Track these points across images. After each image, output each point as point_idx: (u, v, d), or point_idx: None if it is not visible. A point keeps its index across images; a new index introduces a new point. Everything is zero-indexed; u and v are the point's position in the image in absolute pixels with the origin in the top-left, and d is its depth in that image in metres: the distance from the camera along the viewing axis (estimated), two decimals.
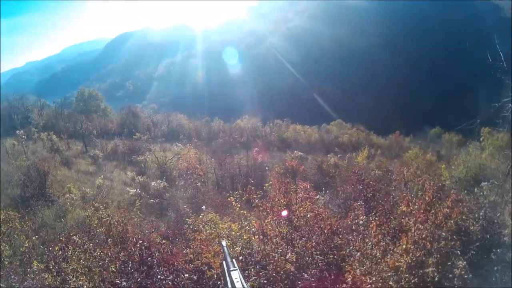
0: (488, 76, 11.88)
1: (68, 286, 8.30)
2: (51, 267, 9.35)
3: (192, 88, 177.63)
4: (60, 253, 9.65)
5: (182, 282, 7.58)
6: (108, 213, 12.52)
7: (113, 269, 8.48)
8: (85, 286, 8.10)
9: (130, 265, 8.26)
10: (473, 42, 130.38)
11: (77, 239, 10.21)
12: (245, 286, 1.01)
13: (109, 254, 9.08)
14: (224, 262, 1.23)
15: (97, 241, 10.82)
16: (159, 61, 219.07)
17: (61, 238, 11.04)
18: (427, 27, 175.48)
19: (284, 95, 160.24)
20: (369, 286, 7.19)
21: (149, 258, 8.00)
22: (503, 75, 10.07)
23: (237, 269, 1.15)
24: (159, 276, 7.63)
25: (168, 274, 7.77)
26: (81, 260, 9.15)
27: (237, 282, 1.06)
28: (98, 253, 9.32)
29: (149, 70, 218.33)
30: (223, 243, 1.42)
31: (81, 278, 8.47)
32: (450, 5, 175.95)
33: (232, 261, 1.22)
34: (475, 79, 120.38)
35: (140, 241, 8.29)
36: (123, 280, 7.76)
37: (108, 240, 10.55)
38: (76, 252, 9.48)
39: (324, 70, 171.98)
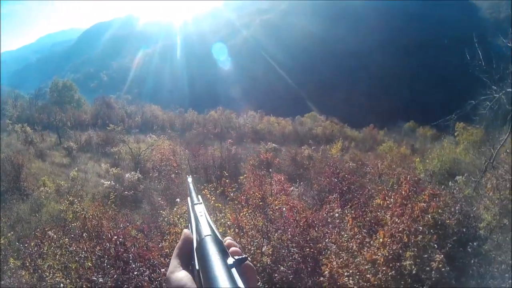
0: (466, 74, 12.07)
1: (45, 283, 8.14)
2: (27, 264, 9.17)
3: (166, 80, 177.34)
4: (35, 249, 9.48)
5: (159, 278, 7.48)
6: (82, 207, 12.36)
7: (90, 265, 8.35)
8: (61, 284, 7.94)
9: (106, 260, 8.13)
10: (451, 40, 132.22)
11: (53, 234, 10.05)
12: (209, 220, 0.93)
13: (85, 249, 8.94)
14: (188, 198, 1.15)
15: (72, 235, 10.63)
16: (134, 52, 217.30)
17: (36, 233, 10.87)
18: (405, 23, 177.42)
19: (258, 87, 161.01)
20: (346, 278, 7.23)
21: (125, 254, 7.88)
22: (480, 73, 10.21)
23: (201, 203, 1.07)
24: (135, 272, 7.51)
25: (144, 269, 7.66)
26: (57, 256, 8.99)
27: (201, 216, 0.97)
28: (74, 248, 9.16)
29: (124, 61, 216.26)
30: (189, 179, 1.32)
31: (58, 274, 8.31)
32: (428, 4, 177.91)
33: (197, 196, 1.13)
34: (452, 77, 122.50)
35: (115, 236, 8.15)
36: (99, 276, 7.62)
37: (84, 235, 10.38)
38: (52, 248, 9.32)
39: (299, 62, 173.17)
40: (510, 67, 9.75)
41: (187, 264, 0.88)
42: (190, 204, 1.12)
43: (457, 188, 13.92)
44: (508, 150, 14.68)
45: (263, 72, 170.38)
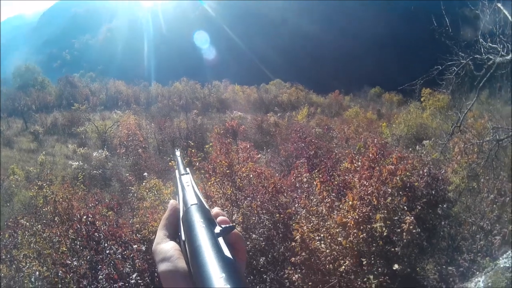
0: (433, 42, 12.07)
1: (22, 274, 7.99)
2: (3, 257, 8.98)
3: (129, 54, 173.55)
4: (10, 240, 9.32)
5: (132, 254, 7.42)
6: (52, 190, 12.17)
7: (64, 249, 8.24)
8: (37, 272, 7.81)
9: (78, 242, 8.03)
10: (418, 7, 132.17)
11: (25, 222, 9.90)
12: (196, 190, 0.90)
13: (58, 233, 8.82)
14: (176, 171, 1.12)
15: (45, 221, 10.49)
16: (96, 28, 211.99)
17: (9, 223, 10.69)
18: None
19: (222, 56, 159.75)
20: (318, 243, 7.30)
21: (96, 233, 7.79)
22: (447, 39, 10.27)
23: (188, 173, 1.04)
24: (107, 251, 7.44)
25: (117, 247, 7.58)
26: (32, 244, 8.84)
27: (188, 186, 0.95)
28: (48, 234, 9.03)
29: (86, 38, 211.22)
30: (177, 152, 1.29)
31: (34, 263, 8.16)
32: None
33: (185, 168, 1.10)
34: (419, 44, 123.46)
35: (85, 216, 8.03)
36: (74, 259, 7.53)
37: (55, 219, 10.24)
38: (26, 236, 9.18)
39: (262, 31, 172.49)
40: (477, 34, 9.84)
41: (174, 235, 0.84)
42: (177, 175, 1.09)
43: (424, 152, 14.22)
44: (475, 116, 15.05)
45: (226, 41, 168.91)
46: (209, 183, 10.18)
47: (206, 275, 0.58)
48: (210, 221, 0.77)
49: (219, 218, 0.81)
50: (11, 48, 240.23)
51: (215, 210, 0.87)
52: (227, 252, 0.65)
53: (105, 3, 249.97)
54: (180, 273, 0.71)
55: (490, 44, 9.60)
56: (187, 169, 1.10)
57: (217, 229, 0.73)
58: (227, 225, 0.75)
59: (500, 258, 5.46)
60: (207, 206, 0.85)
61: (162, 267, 0.74)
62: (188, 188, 0.94)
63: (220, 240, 0.69)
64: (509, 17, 9.00)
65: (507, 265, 5.11)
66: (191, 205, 0.84)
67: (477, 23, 9.88)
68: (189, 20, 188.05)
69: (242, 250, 0.78)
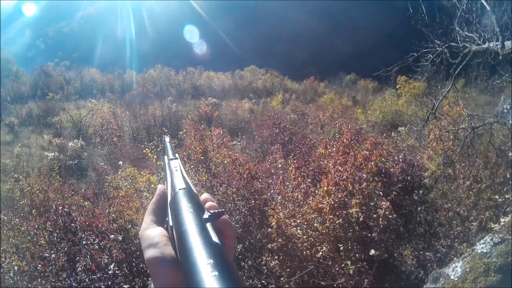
0: (409, 30, 12.16)
1: (2, 270, 7.87)
2: None
3: (104, 41, 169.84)
4: None
5: (108, 244, 7.35)
6: (28, 183, 12.04)
7: (43, 242, 8.17)
8: (16, 267, 7.71)
9: (56, 234, 7.95)
10: None
11: (3, 216, 9.80)
12: (184, 174, 0.89)
13: (36, 226, 8.73)
14: (165, 156, 1.11)
15: (22, 214, 10.37)
16: (70, 16, 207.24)
17: None
18: None
19: (197, 43, 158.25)
20: (294, 228, 7.31)
21: (72, 224, 7.71)
22: (423, 27, 10.35)
23: (177, 158, 1.03)
24: (84, 242, 7.38)
25: (94, 238, 7.49)
26: (10, 239, 8.73)
27: (177, 170, 0.93)
28: (26, 228, 8.94)
29: (60, 26, 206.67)
30: (166, 138, 1.28)
31: (13, 258, 8.05)
32: None
33: (173, 153, 1.09)
34: (395, 32, 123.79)
35: (61, 207, 7.94)
36: (52, 252, 7.45)
37: (33, 211, 10.13)
38: (4, 231, 9.06)
39: (236, 16, 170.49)
40: (454, 22, 9.93)
41: (162, 220, 0.82)
42: (166, 161, 1.08)
43: (399, 139, 14.39)
44: (450, 103, 15.24)
45: (200, 27, 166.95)
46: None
47: (193, 261, 0.56)
48: (198, 206, 0.75)
49: (208, 204, 0.80)
50: None
51: (204, 195, 0.85)
52: (215, 238, 0.63)
53: None
54: (167, 259, 0.69)
55: (467, 33, 9.69)
56: (176, 154, 1.10)
57: (206, 215, 0.72)
58: (216, 211, 0.74)
59: (477, 244, 5.52)
60: (195, 191, 0.83)
61: (149, 253, 0.72)
62: (176, 173, 0.93)
63: (208, 225, 0.68)
64: (487, 6, 9.10)
65: (485, 251, 5.19)
66: (179, 189, 0.82)
67: (453, 11, 9.93)
68: (164, 6, 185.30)
69: (231, 236, 0.77)
